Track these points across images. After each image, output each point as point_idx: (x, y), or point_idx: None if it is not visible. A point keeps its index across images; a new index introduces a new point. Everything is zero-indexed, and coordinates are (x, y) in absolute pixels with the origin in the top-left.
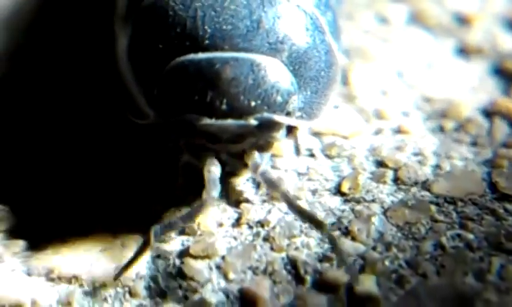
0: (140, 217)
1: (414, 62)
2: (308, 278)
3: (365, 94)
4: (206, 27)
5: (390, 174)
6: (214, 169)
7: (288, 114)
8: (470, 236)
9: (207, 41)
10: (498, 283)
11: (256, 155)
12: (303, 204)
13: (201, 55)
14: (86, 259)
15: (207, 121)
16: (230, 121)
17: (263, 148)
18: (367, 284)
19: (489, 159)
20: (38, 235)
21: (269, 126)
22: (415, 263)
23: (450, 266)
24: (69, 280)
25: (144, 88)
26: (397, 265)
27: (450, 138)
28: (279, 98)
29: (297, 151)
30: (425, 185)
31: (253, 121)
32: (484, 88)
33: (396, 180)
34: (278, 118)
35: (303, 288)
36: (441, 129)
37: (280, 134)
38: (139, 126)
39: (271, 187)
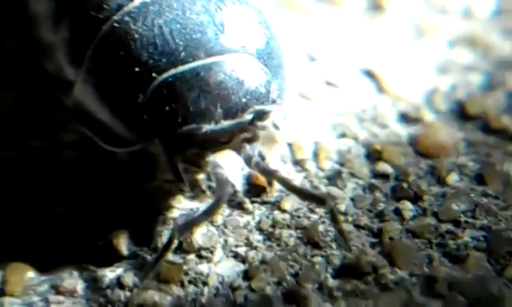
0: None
1: None
2: None
3: None
4: (178, 40)
5: None
6: (219, 169)
7: (273, 102)
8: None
9: (183, 54)
10: None
11: (247, 147)
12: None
13: (182, 68)
14: None
15: (207, 127)
16: (228, 122)
17: (252, 139)
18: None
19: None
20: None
21: (261, 118)
22: None
23: None
24: None
25: (125, 117)
26: None
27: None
28: (263, 90)
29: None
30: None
31: (247, 117)
32: None
33: None
34: (268, 107)
35: None
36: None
37: (268, 123)
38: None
39: (268, 175)
